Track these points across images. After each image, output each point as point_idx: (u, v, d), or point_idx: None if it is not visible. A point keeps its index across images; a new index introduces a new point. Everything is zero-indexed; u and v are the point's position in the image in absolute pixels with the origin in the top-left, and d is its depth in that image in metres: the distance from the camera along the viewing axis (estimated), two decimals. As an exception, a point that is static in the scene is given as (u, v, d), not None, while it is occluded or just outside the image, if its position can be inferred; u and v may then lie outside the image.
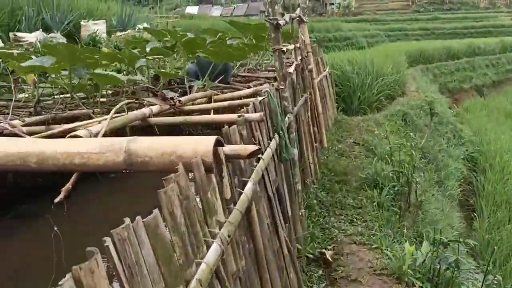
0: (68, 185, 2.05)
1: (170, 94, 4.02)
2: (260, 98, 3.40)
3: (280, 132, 3.69)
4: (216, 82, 4.99)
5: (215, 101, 4.25)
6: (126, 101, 3.08)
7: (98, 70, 4.40)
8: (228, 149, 2.16)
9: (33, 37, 9.20)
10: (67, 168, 2.05)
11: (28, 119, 3.21)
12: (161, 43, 5.50)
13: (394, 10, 59.90)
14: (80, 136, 2.28)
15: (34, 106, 3.55)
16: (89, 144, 2.03)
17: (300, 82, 5.93)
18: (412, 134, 9.85)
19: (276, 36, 4.25)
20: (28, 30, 9.56)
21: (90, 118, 3.58)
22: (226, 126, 2.35)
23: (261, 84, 6.18)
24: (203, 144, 1.89)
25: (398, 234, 4.94)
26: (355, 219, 5.21)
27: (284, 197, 3.63)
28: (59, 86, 4.81)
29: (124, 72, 4.81)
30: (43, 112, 3.50)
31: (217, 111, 4.35)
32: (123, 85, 4.10)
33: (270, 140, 3.51)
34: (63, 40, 9.90)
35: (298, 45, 5.97)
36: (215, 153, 1.98)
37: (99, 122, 3.07)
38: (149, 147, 1.94)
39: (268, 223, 2.90)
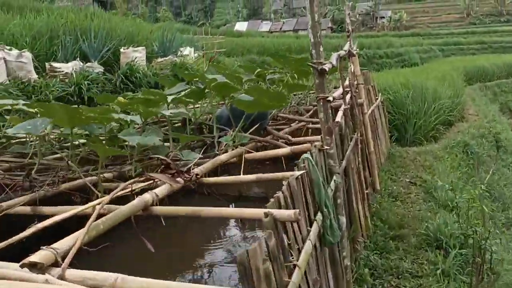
0: None
1: (191, 155, 3.36)
2: (298, 173, 2.67)
3: (324, 210, 2.94)
4: (251, 130, 4.31)
5: (246, 160, 3.55)
6: (123, 184, 2.42)
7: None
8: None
9: (69, 67, 8.87)
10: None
11: (8, 204, 2.62)
12: (190, 84, 4.90)
13: (448, 23, 58.06)
14: (39, 264, 1.65)
15: (23, 180, 2.97)
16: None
17: (350, 125, 5.16)
18: (476, 171, 8.84)
19: (321, 83, 3.53)
20: (65, 59, 9.24)
21: (91, 193, 2.96)
22: (244, 252, 1.65)
23: (304, 125, 5.46)
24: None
25: (470, 317, 4.06)
26: (415, 294, 4.36)
27: (328, 296, 2.87)
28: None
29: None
30: (37, 187, 2.92)
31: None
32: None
33: (311, 225, 2.77)
34: (100, 69, 9.56)
35: (347, 82, 5.22)
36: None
37: (93, 208, 2.44)
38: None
39: None
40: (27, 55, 8.22)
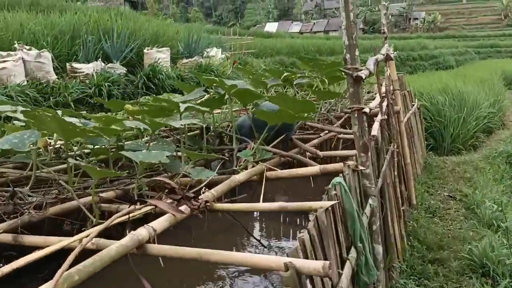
0: None
1: (203, 173, 2.91)
2: (328, 204, 2.19)
3: (359, 245, 2.45)
4: (275, 142, 3.84)
5: (267, 179, 3.09)
6: (118, 214, 2.00)
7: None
8: None
9: (90, 67, 8.57)
10: None
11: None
12: (211, 89, 4.48)
13: (484, 24, 56.45)
14: None
15: (7, 202, 2.57)
16: None
17: (386, 136, 4.64)
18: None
19: (356, 92, 3.04)
20: (86, 60, 8.94)
21: (86, 219, 2.55)
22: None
23: (335, 136, 4.96)
24: None
25: None
26: (460, 334, 3.80)
27: None
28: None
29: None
30: (22, 211, 2.51)
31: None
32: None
33: (342, 265, 2.29)
34: (122, 70, 9.25)
35: (383, 88, 4.70)
36: None
37: (80, 241, 2.02)
38: None
39: None
40: (46, 55, 7.94)
